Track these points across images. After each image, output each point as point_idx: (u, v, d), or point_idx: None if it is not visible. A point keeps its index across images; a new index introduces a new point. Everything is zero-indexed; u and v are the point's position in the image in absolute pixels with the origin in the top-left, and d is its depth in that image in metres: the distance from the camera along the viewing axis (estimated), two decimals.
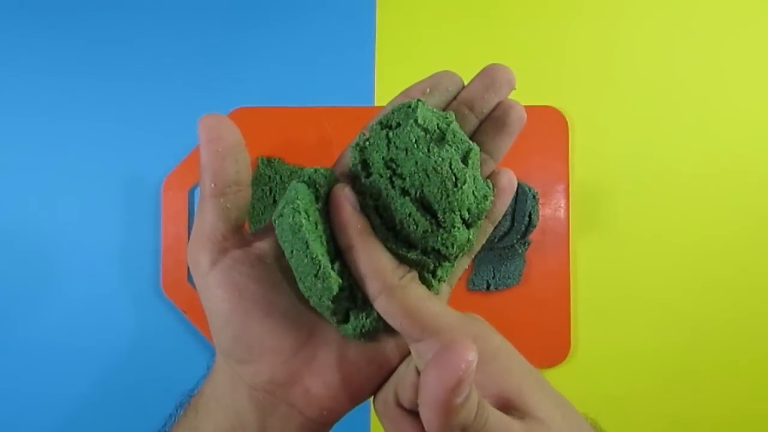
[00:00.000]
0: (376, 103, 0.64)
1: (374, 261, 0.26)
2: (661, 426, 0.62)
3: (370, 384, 0.28)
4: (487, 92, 0.29)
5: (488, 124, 0.29)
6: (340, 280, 0.26)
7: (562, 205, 0.62)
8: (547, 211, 0.62)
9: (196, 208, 0.65)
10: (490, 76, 0.29)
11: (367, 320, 0.27)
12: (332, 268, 0.26)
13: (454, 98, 0.29)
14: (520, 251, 0.60)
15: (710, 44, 0.64)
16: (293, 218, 0.26)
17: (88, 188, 0.63)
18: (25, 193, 0.63)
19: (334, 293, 0.26)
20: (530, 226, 0.59)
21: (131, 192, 0.63)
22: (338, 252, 0.27)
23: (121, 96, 0.64)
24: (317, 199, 0.27)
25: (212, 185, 0.26)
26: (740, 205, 0.63)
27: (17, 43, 0.64)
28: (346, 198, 0.27)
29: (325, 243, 0.27)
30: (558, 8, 0.65)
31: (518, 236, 0.59)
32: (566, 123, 0.62)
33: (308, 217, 0.26)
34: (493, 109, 0.29)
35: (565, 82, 0.64)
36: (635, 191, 0.63)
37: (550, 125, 0.62)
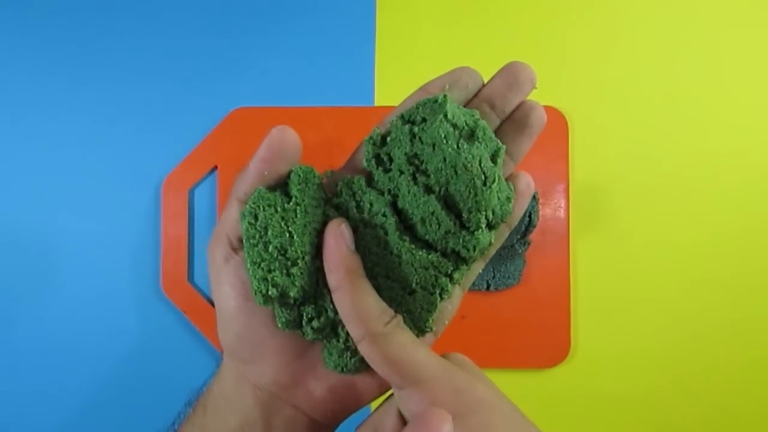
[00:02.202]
0: (376, 103, 0.64)
1: (360, 305, 0.26)
2: (661, 426, 0.62)
3: (373, 387, 0.28)
4: (509, 91, 0.28)
5: (509, 125, 0.28)
6: (268, 292, 0.25)
7: (562, 205, 0.62)
8: (547, 211, 0.62)
9: (198, 208, 0.65)
10: (513, 74, 0.28)
11: (351, 360, 0.27)
12: (266, 278, 0.25)
13: (475, 96, 0.28)
14: (520, 251, 0.60)
15: (710, 44, 0.64)
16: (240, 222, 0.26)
17: (89, 188, 0.63)
18: (25, 193, 0.63)
19: (259, 303, 0.25)
20: (530, 226, 0.59)
21: (131, 192, 0.63)
22: (312, 256, 0.26)
23: (121, 96, 0.64)
24: (289, 198, 0.26)
25: (242, 194, 0.27)
26: (740, 205, 0.63)
27: (17, 43, 0.64)
28: (341, 236, 0.26)
29: (273, 248, 0.26)
30: (558, 8, 0.65)
31: (518, 236, 0.59)
32: (566, 123, 0.62)
33: (255, 221, 0.26)
34: (515, 110, 0.28)
35: (565, 82, 0.64)
36: (635, 191, 0.63)
37: (550, 125, 0.62)
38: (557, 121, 0.62)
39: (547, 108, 0.62)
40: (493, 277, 0.60)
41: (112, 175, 0.63)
